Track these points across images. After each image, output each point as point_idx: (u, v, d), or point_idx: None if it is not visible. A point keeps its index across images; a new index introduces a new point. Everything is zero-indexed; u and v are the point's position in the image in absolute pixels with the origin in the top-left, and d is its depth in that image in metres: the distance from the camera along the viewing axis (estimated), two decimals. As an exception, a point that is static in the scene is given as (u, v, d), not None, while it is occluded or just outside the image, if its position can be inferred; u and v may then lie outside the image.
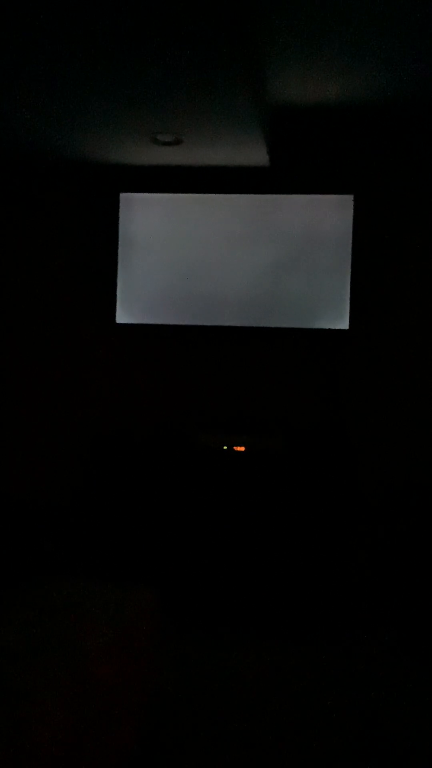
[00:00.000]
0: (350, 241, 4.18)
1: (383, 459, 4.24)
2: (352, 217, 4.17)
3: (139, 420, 4.49)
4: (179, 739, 2.64)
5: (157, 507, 4.17)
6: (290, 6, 2.97)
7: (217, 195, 4.32)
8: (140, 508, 4.38)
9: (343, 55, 3.41)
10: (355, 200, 4.18)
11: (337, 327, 4.20)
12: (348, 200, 4.18)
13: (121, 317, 4.41)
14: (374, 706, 2.93)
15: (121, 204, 4.40)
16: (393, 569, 4.06)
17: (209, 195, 4.33)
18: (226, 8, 2.54)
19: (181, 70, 3.02)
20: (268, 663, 3.30)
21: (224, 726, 2.74)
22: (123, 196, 4.39)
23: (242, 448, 4.03)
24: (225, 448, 4.04)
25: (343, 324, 4.19)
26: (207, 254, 4.34)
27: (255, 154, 4.02)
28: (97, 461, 4.50)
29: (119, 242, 4.40)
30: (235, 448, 4.03)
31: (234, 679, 3.11)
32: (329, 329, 4.21)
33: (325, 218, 4.21)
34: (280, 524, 3.92)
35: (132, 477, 4.43)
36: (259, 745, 2.62)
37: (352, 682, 3.14)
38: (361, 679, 3.16)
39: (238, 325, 4.31)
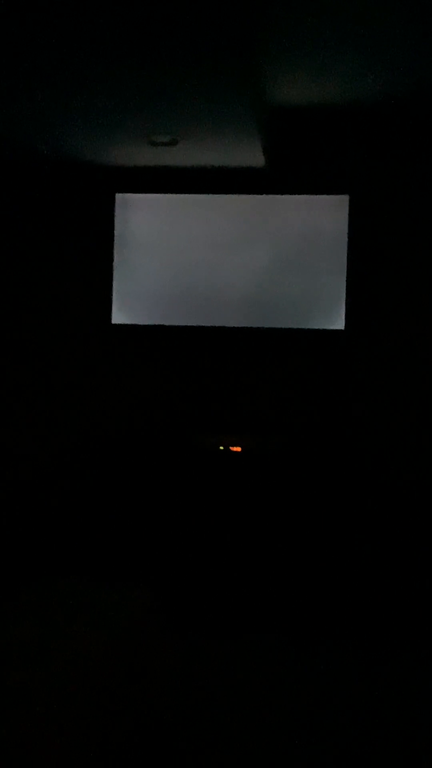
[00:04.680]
0: (346, 242, 4.19)
1: (380, 458, 4.24)
2: (347, 218, 4.18)
3: (135, 420, 4.49)
4: (179, 738, 2.64)
5: (155, 507, 4.17)
6: (287, 7, 2.98)
7: (213, 196, 4.33)
8: (138, 508, 4.38)
9: (339, 57, 3.42)
10: (350, 200, 4.19)
11: (333, 327, 4.21)
12: (344, 200, 4.18)
13: (117, 318, 4.41)
14: (374, 706, 2.93)
15: (116, 205, 4.40)
16: (393, 568, 4.06)
17: (205, 196, 4.33)
18: (222, 9, 2.55)
19: (177, 71, 3.03)
20: (267, 663, 3.30)
21: (224, 725, 2.73)
22: (119, 196, 4.40)
23: (239, 449, 4.03)
24: (221, 448, 4.04)
25: (339, 324, 4.20)
26: (203, 255, 4.34)
27: (251, 155, 4.03)
28: (93, 461, 4.50)
29: (115, 243, 4.40)
30: (231, 448, 4.04)
31: (233, 679, 3.11)
32: (325, 329, 4.22)
33: (321, 219, 4.22)
34: (277, 524, 3.92)
35: (129, 477, 4.43)
36: (259, 744, 2.62)
37: (352, 682, 3.14)
38: (361, 680, 3.16)
39: (234, 325, 4.31)
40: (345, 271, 4.19)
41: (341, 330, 4.20)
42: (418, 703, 2.96)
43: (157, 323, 4.38)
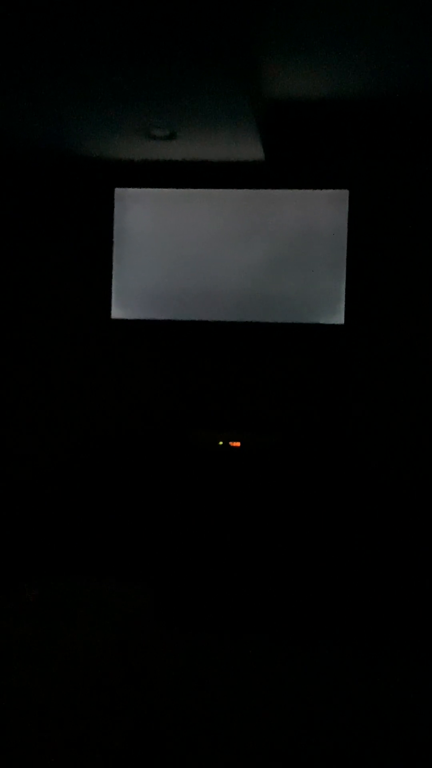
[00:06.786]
0: (346, 236, 4.16)
1: (379, 453, 4.23)
2: (347, 212, 4.15)
3: (134, 416, 4.48)
4: (178, 737, 2.64)
5: (154, 503, 4.17)
6: (286, 1, 2.94)
7: (212, 190, 4.30)
8: (137, 504, 4.38)
9: (339, 50, 3.38)
10: (350, 195, 4.16)
11: (333, 322, 4.19)
12: (344, 195, 4.16)
13: (117, 313, 4.39)
14: (374, 706, 2.94)
15: (116, 199, 4.37)
16: (392, 566, 4.06)
17: (204, 190, 4.30)
18: (222, 2, 2.52)
19: (175, 64, 3.00)
20: (267, 662, 3.30)
21: (224, 725, 2.74)
22: (118, 191, 4.36)
23: (238, 444, 4.02)
24: (221, 443, 4.03)
25: (339, 319, 4.18)
26: (202, 249, 4.32)
27: (250, 149, 4.00)
28: (92, 457, 4.49)
29: (114, 237, 4.38)
30: (230, 443, 4.03)
31: (233, 678, 3.12)
32: (325, 324, 4.20)
33: (321, 213, 4.19)
34: (277, 521, 3.92)
35: (128, 473, 4.42)
36: (259, 744, 2.62)
37: (352, 682, 3.14)
38: (361, 680, 3.17)
39: (234, 320, 4.29)
40: (345, 265, 4.17)
41: (341, 324, 4.18)
42: (418, 703, 2.96)
43: (156, 318, 4.36)
